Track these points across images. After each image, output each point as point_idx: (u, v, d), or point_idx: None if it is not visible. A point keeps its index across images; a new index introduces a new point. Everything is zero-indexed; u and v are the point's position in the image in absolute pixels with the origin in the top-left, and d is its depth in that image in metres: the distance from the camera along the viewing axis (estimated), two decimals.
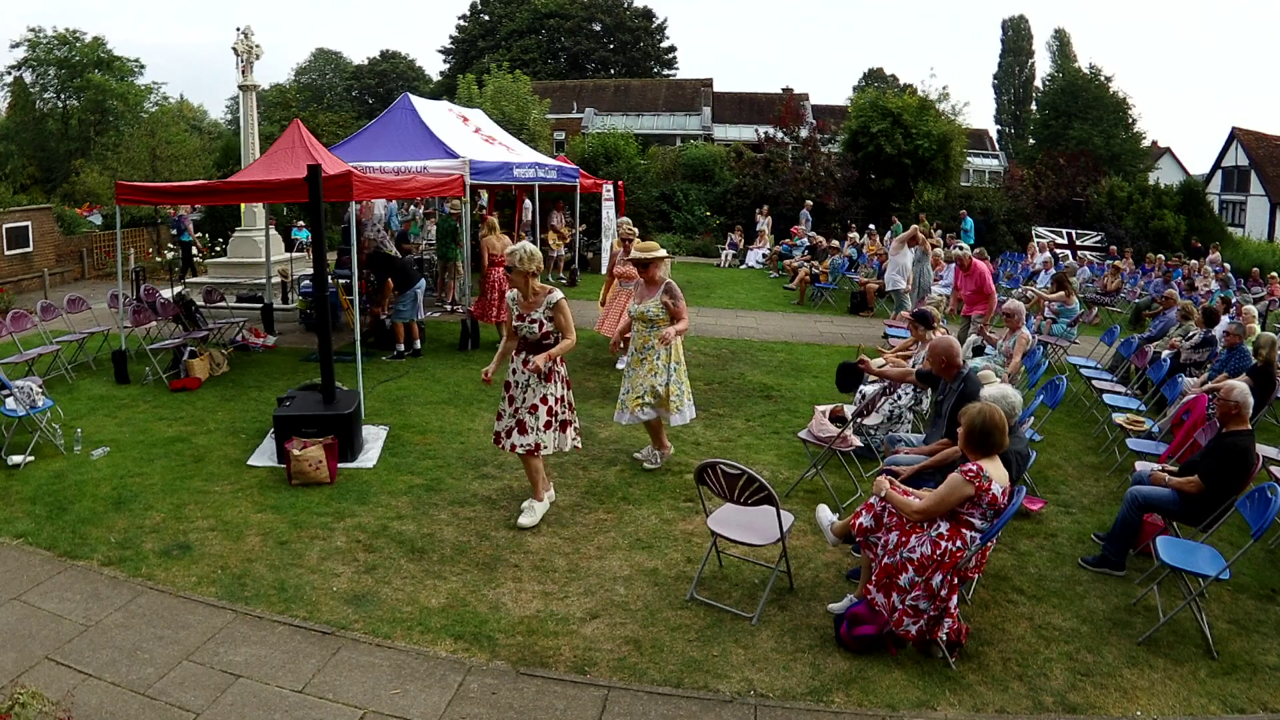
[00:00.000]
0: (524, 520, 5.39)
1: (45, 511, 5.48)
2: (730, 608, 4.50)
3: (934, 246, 13.83)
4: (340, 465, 6.24)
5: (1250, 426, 5.26)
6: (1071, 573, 5.11)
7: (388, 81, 51.69)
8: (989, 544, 4.21)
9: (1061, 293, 11.73)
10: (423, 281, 10.21)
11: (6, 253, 15.01)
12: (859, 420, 6.35)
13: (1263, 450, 6.23)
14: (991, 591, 4.81)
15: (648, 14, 51.88)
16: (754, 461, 6.71)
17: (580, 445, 5.66)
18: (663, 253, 6.26)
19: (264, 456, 6.52)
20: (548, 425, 5.25)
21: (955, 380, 5.52)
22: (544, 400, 5.23)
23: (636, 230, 8.95)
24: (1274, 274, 17.98)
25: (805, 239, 18.77)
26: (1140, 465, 6.01)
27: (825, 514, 4.80)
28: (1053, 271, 15.13)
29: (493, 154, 12.07)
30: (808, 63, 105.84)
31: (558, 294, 5.18)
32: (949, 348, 5.60)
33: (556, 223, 18.35)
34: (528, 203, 19.40)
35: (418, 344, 10.04)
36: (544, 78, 43.36)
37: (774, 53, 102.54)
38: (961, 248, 10.88)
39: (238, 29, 13.23)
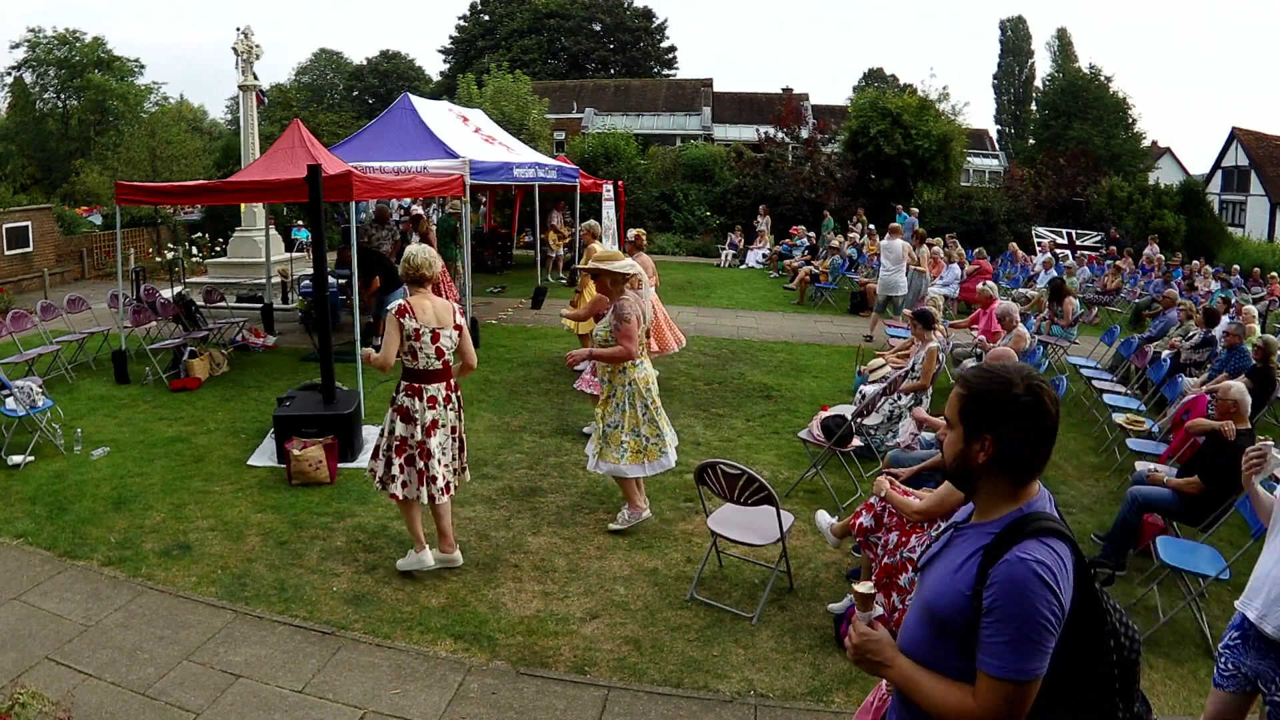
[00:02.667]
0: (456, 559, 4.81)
1: (45, 511, 5.48)
2: (730, 608, 4.50)
3: (931, 247, 13.83)
4: (340, 465, 6.24)
5: (1250, 426, 5.26)
6: None
7: (388, 81, 51.70)
8: None
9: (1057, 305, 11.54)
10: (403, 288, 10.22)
11: (6, 253, 15.01)
12: (859, 420, 6.35)
13: None
14: None
15: (648, 14, 51.90)
16: (754, 461, 6.70)
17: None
18: (619, 266, 5.10)
19: (264, 456, 6.52)
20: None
21: None
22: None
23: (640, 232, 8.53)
24: (1274, 274, 18.00)
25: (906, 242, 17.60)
26: (1140, 465, 6.02)
27: (824, 518, 4.81)
28: (1053, 272, 15.13)
29: (493, 154, 12.09)
30: (808, 63, 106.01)
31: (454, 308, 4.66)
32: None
33: (556, 223, 18.35)
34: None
35: None
36: (544, 78, 43.36)
37: (774, 53, 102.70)
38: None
39: (238, 29, 13.22)
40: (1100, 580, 1.79)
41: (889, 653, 1.78)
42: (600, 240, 9.01)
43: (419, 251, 4.57)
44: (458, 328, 4.54)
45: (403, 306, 4.43)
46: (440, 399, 4.54)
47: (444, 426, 4.59)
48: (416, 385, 4.50)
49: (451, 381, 4.64)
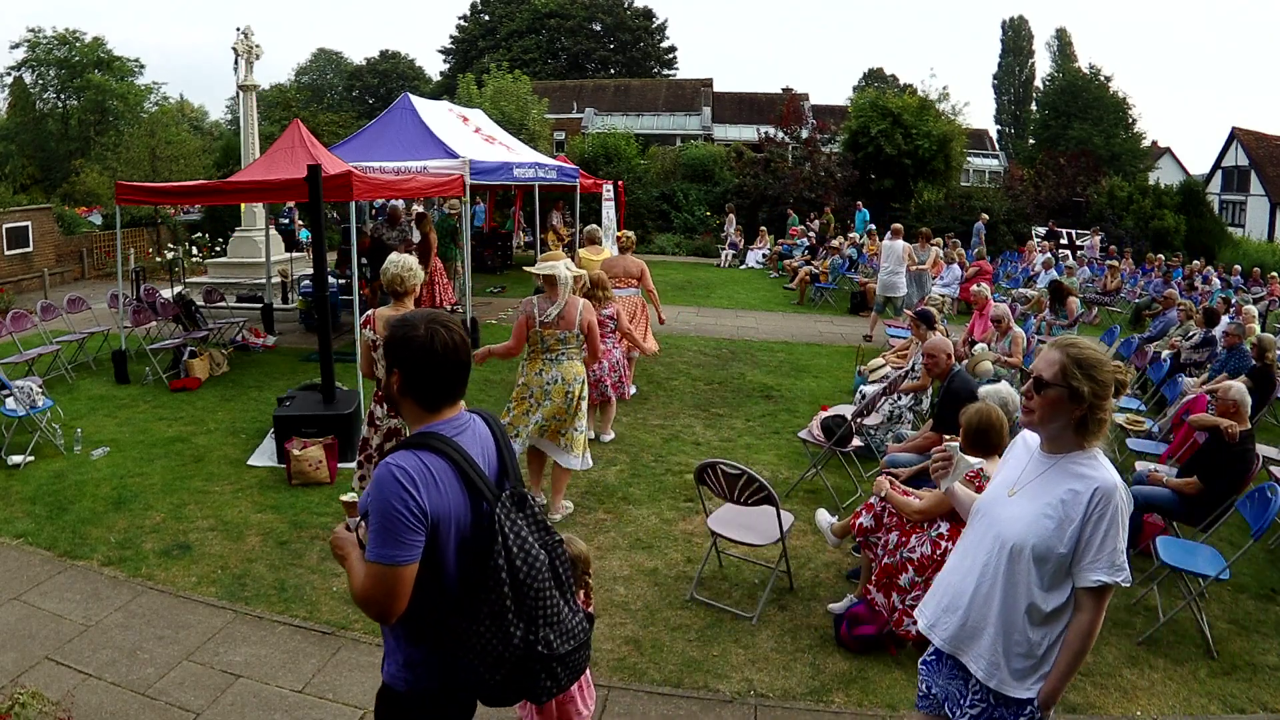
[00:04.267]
0: None
1: (45, 511, 5.48)
2: (730, 608, 4.50)
3: (936, 247, 13.82)
4: (340, 465, 6.24)
5: (1250, 426, 5.26)
6: None
7: (388, 81, 51.70)
8: None
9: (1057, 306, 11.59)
10: None
11: (6, 253, 15.00)
12: (859, 420, 6.35)
13: (1263, 450, 6.24)
14: None
15: (648, 14, 51.89)
16: (754, 461, 6.70)
17: None
18: (538, 268, 5.17)
19: (264, 456, 6.52)
20: None
21: (945, 378, 5.64)
22: None
23: (600, 232, 8.71)
24: (1274, 274, 18.00)
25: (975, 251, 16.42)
26: (1140, 465, 6.02)
27: (825, 517, 4.81)
28: (1053, 272, 15.12)
29: (493, 154, 12.08)
30: (808, 63, 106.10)
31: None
32: (944, 347, 5.72)
33: (556, 223, 18.36)
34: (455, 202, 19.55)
35: None
36: (544, 78, 43.34)
37: (774, 53, 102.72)
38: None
39: (238, 29, 13.21)
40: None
41: (347, 549, 2.11)
42: (598, 243, 9.00)
43: (390, 265, 4.59)
44: None
45: (368, 317, 4.60)
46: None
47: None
48: (379, 393, 4.64)
49: None
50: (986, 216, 20.78)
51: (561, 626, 2.09)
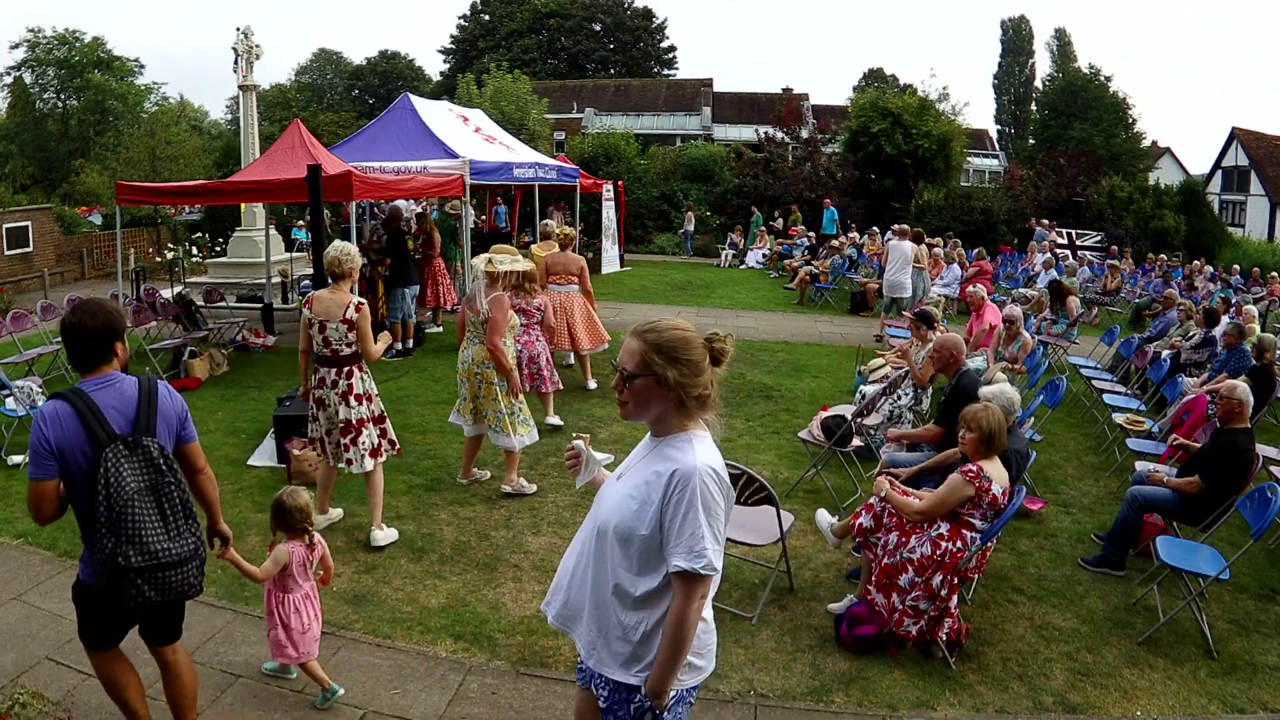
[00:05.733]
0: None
1: None
2: (730, 608, 4.50)
3: (932, 248, 13.83)
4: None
5: (1250, 426, 5.26)
6: (1071, 573, 5.11)
7: (388, 81, 51.73)
8: (989, 544, 4.21)
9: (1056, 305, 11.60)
10: (416, 286, 10.21)
11: (6, 253, 15.01)
12: (859, 420, 6.35)
13: (1263, 450, 6.24)
14: (991, 591, 4.81)
15: (648, 14, 51.92)
16: (754, 461, 6.70)
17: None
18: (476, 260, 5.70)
19: (264, 456, 6.51)
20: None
21: (953, 376, 5.63)
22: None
23: (549, 225, 8.77)
24: (1274, 274, 18.00)
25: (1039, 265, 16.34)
26: (1140, 465, 6.02)
27: (825, 518, 4.81)
28: (1053, 272, 15.13)
29: (493, 154, 12.10)
30: (808, 63, 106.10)
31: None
32: (955, 344, 5.69)
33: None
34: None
35: (408, 344, 9.99)
36: (544, 78, 43.37)
37: (774, 53, 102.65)
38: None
39: (238, 29, 13.23)
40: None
41: None
42: (550, 238, 8.93)
43: (330, 249, 4.90)
44: (345, 321, 4.84)
45: (308, 298, 4.99)
46: (328, 381, 4.97)
47: (328, 406, 5.02)
48: (316, 366, 5.04)
49: (347, 369, 4.96)
50: (1045, 222, 20.87)
51: (145, 547, 2.65)
